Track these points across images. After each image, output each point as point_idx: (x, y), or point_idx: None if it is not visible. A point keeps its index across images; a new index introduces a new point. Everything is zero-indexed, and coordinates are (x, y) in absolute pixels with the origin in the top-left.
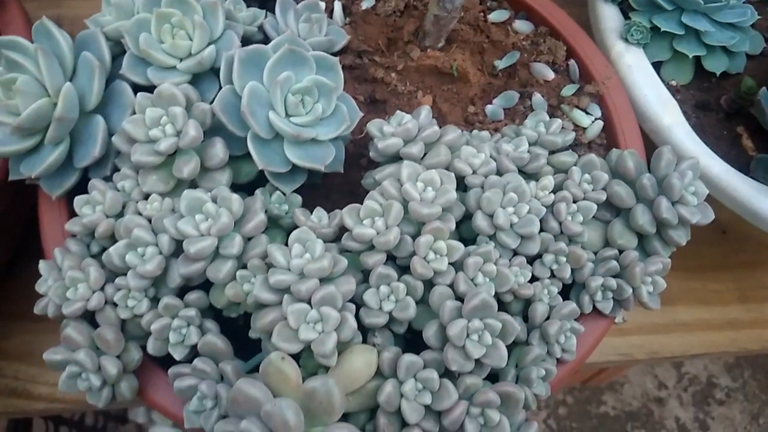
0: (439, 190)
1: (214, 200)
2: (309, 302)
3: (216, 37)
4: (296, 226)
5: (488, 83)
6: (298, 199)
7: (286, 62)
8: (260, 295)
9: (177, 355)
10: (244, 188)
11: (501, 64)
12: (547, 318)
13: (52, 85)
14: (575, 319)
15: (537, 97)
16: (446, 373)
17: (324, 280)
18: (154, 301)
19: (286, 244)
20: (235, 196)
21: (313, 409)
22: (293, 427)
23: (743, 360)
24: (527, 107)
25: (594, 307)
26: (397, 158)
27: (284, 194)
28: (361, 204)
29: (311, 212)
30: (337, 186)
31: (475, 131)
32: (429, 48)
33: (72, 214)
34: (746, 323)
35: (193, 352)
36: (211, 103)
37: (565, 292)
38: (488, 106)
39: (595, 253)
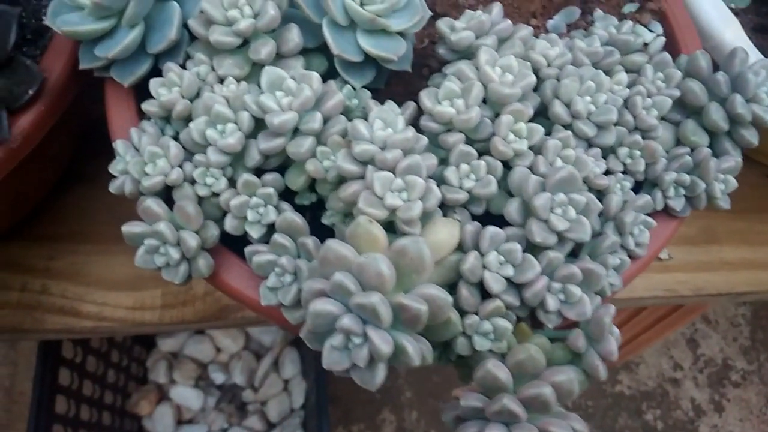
0: (517, 74)
1: (294, 78)
2: (393, 172)
3: None
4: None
5: (548, 0)
6: (368, 93)
7: None
8: (344, 166)
9: (254, 233)
10: None
11: None
12: (621, 211)
13: None
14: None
15: (599, 13)
16: (527, 251)
17: (407, 153)
18: (231, 182)
19: None
20: (315, 74)
21: (402, 266)
22: (387, 278)
23: (759, 343)
24: (589, 23)
25: (665, 205)
26: (467, 55)
27: (354, 89)
28: None
29: None
30: (398, 94)
31: (543, 34)
32: None
33: (140, 106)
34: None
35: (268, 234)
36: None
37: (635, 192)
38: (549, 21)
39: (667, 152)
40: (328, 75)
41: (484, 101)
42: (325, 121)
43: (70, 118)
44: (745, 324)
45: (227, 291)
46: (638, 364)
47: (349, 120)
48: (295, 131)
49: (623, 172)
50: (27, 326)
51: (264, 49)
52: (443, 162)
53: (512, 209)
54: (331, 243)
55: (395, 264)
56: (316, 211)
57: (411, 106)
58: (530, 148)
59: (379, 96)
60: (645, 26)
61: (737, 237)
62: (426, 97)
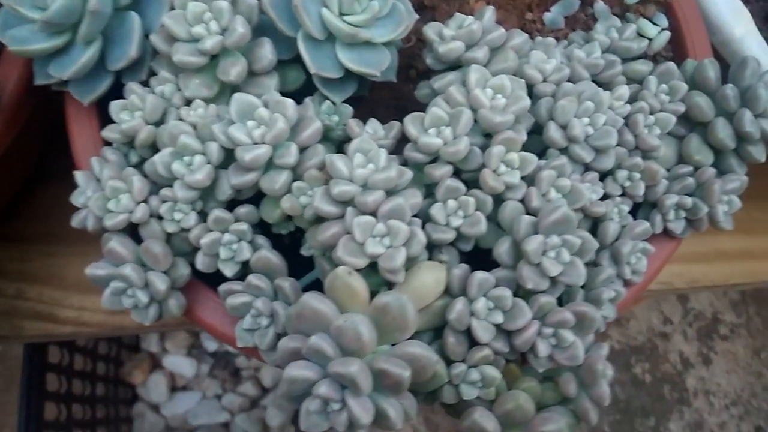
0: (510, 96)
1: (266, 105)
2: (374, 215)
3: None
4: (348, 139)
5: None
6: (349, 109)
7: None
8: (322, 207)
9: (228, 271)
10: (290, 97)
11: None
12: (617, 238)
13: None
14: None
15: (599, 5)
16: (516, 293)
17: (389, 193)
18: (202, 215)
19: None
20: (290, 101)
21: (384, 325)
22: (367, 342)
23: (749, 296)
24: (588, 15)
25: (665, 227)
26: (457, 65)
27: (334, 104)
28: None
29: None
30: (383, 100)
31: (539, 38)
32: None
33: (103, 122)
34: None
35: (244, 270)
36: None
37: (632, 213)
38: (546, 13)
39: (668, 170)
40: (306, 87)
41: (475, 121)
42: (301, 150)
43: (34, 120)
44: None
45: (203, 327)
46: (628, 320)
47: (329, 139)
48: (269, 162)
49: (621, 195)
50: (4, 332)
51: (234, 69)
52: (428, 191)
53: (502, 251)
54: (308, 298)
55: (377, 322)
56: (295, 236)
57: (396, 126)
58: (523, 178)
59: (363, 105)
60: (649, 19)
61: (735, 225)
62: (411, 124)
